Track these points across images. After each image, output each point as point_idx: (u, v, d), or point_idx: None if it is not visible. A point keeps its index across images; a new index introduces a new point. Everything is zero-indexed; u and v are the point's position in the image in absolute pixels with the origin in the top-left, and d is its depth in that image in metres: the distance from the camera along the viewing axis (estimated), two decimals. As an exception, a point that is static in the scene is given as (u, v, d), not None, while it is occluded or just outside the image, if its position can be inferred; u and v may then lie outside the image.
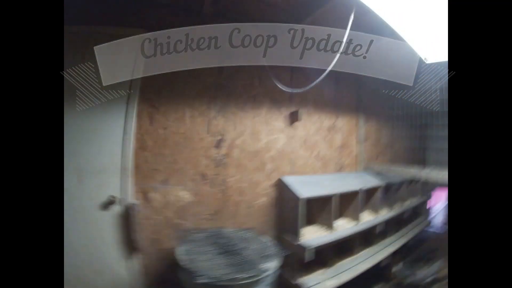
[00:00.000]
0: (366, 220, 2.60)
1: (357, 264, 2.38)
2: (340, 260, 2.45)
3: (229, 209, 2.15)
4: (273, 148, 2.33)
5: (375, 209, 2.73)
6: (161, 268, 1.95)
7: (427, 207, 4.03)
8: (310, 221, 2.49)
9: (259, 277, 1.46)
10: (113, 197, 1.78)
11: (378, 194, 2.69)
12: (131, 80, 1.80)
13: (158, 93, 1.88)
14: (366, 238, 2.86)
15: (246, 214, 2.22)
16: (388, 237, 2.95)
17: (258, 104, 2.28)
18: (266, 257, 1.62)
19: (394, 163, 3.33)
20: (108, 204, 1.78)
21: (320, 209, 2.36)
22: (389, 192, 2.87)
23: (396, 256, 2.77)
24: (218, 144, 2.10)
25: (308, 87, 1.75)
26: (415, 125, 2.82)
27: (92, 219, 1.76)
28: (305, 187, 2.19)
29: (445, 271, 2.67)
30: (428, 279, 2.55)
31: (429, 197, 4.07)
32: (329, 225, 2.27)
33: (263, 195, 2.28)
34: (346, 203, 2.58)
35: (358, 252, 2.57)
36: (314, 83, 1.71)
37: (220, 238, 1.84)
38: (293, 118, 2.39)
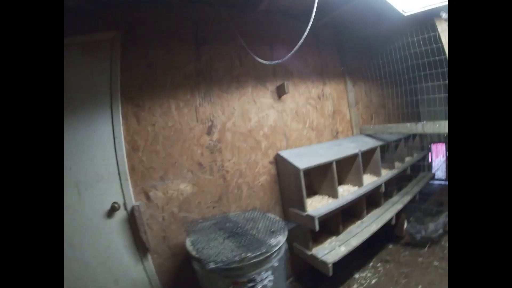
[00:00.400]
0: (368, 182, 2.64)
1: (365, 227, 2.43)
2: (349, 226, 2.52)
3: (232, 193, 2.16)
4: (265, 125, 2.31)
5: (376, 170, 2.76)
6: (175, 263, 1.97)
7: (429, 160, 4.10)
8: (314, 192, 2.53)
9: (269, 253, 1.49)
10: (116, 203, 1.77)
11: (377, 155, 2.70)
12: (111, 83, 1.76)
13: (139, 91, 1.83)
14: (371, 200, 2.93)
15: (250, 195, 2.23)
16: (393, 196, 3.02)
17: (243, 84, 2.24)
18: (274, 233, 1.64)
19: (389, 122, 3.34)
20: (112, 211, 1.77)
21: (322, 178, 2.39)
22: (387, 151, 2.90)
23: (404, 213, 2.84)
24: (209, 131, 2.07)
25: (287, 57, 1.70)
26: (404, 80, 2.79)
27: (99, 229, 1.75)
28: (303, 158, 2.19)
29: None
30: (438, 232, 2.63)
31: (429, 150, 4.14)
32: (333, 193, 2.30)
33: (263, 173, 2.29)
34: (347, 168, 2.61)
35: (365, 215, 2.63)
36: (292, 51, 1.66)
37: (227, 223, 1.85)
38: (280, 91, 2.35)
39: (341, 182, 2.70)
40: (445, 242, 2.68)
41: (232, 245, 1.55)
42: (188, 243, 1.66)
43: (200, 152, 2.02)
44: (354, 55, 3.09)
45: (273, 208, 2.36)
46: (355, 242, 2.18)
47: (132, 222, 1.81)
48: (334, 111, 2.83)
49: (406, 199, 2.87)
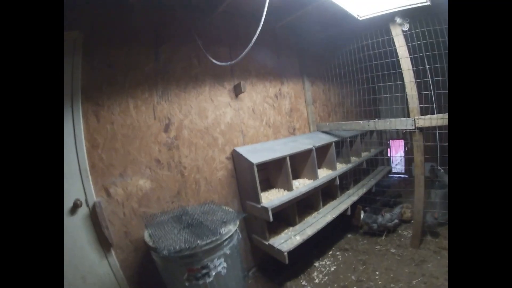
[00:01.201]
0: (323, 176, 2.82)
1: (321, 217, 2.61)
2: (305, 217, 2.69)
3: (190, 188, 2.25)
4: (222, 122, 2.43)
5: (332, 165, 2.96)
6: (138, 257, 2.02)
7: (388, 155, 4.38)
8: (271, 185, 2.68)
9: (220, 241, 1.60)
10: (78, 200, 1.80)
11: (332, 150, 2.90)
12: (72, 82, 1.78)
13: (99, 90, 1.87)
14: (328, 193, 3.13)
15: (208, 190, 2.33)
16: (350, 188, 3.24)
17: (200, 83, 2.35)
18: (225, 223, 1.74)
19: (347, 120, 3.57)
20: (74, 208, 1.79)
21: (278, 172, 2.53)
22: (344, 147, 3.10)
23: (360, 205, 3.05)
24: (166, 128, 2.15)
25: (239, 58, 1.81)
26: (362, 80, 3.02)
27: (64, 226, 1.77)
28: (258, 153, 2.33)
29: (408, 214, 2.99)
30: (394, 222, 2.85)
31: (387, 146, 4.43)
32: (288, 186, 2.45)
33: (221, 168, 2.40)
34: (303, 163, 2.78)
35: (321, 206, 2.81)
36: (244, 52, 1.74)
37: (184, 216, 1.94)
38: (237, 90, 2.48)
39: (297, 176, 2.87)
40: (401, 231, 2.92)
41: (187, 235, 1.64)
42: (146, 235, 1.73)
43: (157, 149, 2.10)
44: (313, 56, 3.31)
45: (232, 202, 2.47)
46: (310, 231, 2.34)
47: (94, 218, 1.84)
48: (291, 109, 3.01)
49: (362, 191, 3.10)
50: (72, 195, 1.79)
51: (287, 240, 2.26)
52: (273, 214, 2.24)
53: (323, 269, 2.53)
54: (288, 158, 2.37)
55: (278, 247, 2.16)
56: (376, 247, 2.71)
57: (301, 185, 2.59)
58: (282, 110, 2.93)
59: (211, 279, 1.60)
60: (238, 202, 2.51)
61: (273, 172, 2.60)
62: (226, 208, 2.02)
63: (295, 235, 2.31)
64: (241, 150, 2.38)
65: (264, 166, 2.67)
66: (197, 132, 2.29)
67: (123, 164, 1.95)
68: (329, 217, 2.56)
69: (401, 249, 2.57)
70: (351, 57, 2.95)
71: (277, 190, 2.54)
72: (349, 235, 3.07)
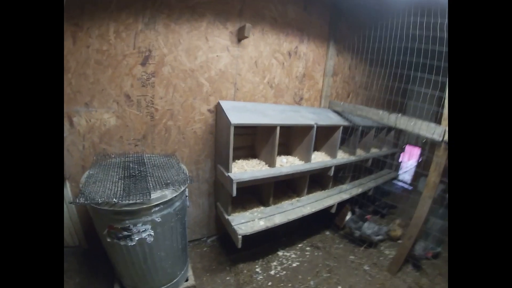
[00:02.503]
0: (318, 161, 2.43)
1: (299, 206, 2.28)
2: (283, 200, 2.38)
3: (158, 135, 1.98)
4: (213, 67, 2.04)
5: (332, 151, 2.54)
6: None
7: (399, 160, 3.82)
8: (254, 155, 2.34)
9: (146, 205, 1.33)
10: None
11: (337, 135, 2.46)
12: None
13: (81, 9, 1.58)
14: (318, 180, 2.77)
15: (178, 141, 2.05)
16: (345, 183, 2.84)
17: (197, 16, 1.92)
18: (167, 185, 1.46)
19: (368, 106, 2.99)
20: None
21: (264, 142, 2.17)
22: (353, 135, 2.64)
23: (349, 205, 2.66)
24: (144, 61, 1.82)
25: None
26: (395, 62, 2.39)
27: None
28: (245, 113, 1.96)
29: (398, 233, 2.58)
30: (379, 237, 2.46)
31: (402, 150, 3.84)
32: (271, 160, 2.11)
33: (199, 121, 2.08)
34: (299, 139, 2.40)
35: (305, 194, 2.47)
36: None
37: (134, 164, 1.68)
38: (241, 34, 2.04)
39: (289, 153, 2.52)
40: (384, 248, 2.55)
41: (119, 187, 1.40)
42: (84, 175, 1.51)
43: (130, 83, 1.81)
44: (349, 20, 2.69)
45: (204, 161, 2.19)
46: (278, 219, 2.04)
47: None
48: (304, 75, 2.53)
49: (357, 191, 2.70)
50: None
51: (249, 222, 1.99)
52: (245, 188, 1.95)
53: (284, 261, 2.27)
54: (278, 128, 1.99)
55: (235, 227, 1.90)
56: (350, 257, 2.39)
57: (288, 164, 2.24)
58: (293, 72, 2.46)
59: (133, 243, 1.38)
60: (211, 163, 2.23)
61: (260, 141, 2.25)
62: (183, 167, 1.73)
63: (260, 219, 2.03)
64: (226, 104, 2.01)
65: (251, 131, 2.32)
66: (180, 72, 1.93)
67: (90, 93, 1.73)
68: (307, 209, 2.23)
69: (376, 269, 2.23)
70: (390, 31, 2.29)
71: (258, 162, 2.21)
72: (327, 232, 2.76)
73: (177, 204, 1.51)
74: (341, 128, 2.45)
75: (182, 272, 1.74)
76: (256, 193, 2.36)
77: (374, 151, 3.13)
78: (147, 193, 1.34)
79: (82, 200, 1.23)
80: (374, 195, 2.89)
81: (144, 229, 1.38)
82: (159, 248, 1.48)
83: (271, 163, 2.10)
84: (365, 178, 3.06)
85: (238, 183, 1.82)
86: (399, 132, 3.39)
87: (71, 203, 1.23)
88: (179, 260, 1.69)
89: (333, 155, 2.55)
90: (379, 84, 2.76)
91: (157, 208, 1.39)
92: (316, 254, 2.39)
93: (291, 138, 2.52)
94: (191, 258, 2.20)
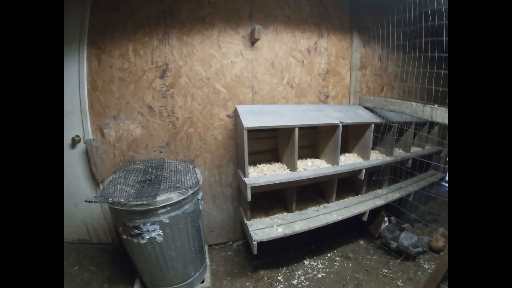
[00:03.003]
0: (348, 163, 2.23)
1: (324, 213, 2.13)
2: (308, 206, 2.26)
3: (180, 142, 2.09)
4: (228, 74, 2.07)
5: (364, 152, 2.31)
6: None
7: (446, 160, 3.22)
8: (278, 158, 2.27)
9: (152, 206, 1.42)
10: (77, 136, 1.98)
11: (369, 134, 2.22)
12: (80, 27, 1.83)
13: (103, 34, 1.85)
14: (349, 185, 2.57)
15: (200, 147, 2.13)
16: (381, 187, 2.56)
17: (208, 26, 2.00)
18: (177, 189, 1.53)
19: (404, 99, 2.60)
20: (74, 143, 1.98)
21: (285, 144, 2.10)
22: (389, 133, 2.35)
23: (385, 212, 2.37)
24: (162, 74, 1.97)
25: None
26: (432, 45, 2.01)
27: (65, 157, 2.02)
28: (261, 116, 1.93)
29: (440, 244, 2.20)
30: (418, 249, 2.14)
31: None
32: (291, 164, 2.02)
33: (219, 126, 2.13)
34: (325, 141, 2.25)
35: (333, 200, 2.30)
36: None
37: (154, 169, 1.81)
38: (253, 38, 2.02)
39: (316, 155, 2.37)
40: (423, 261, 2.18)
41: (135, 189, 1.53)
42: (109, 179, 1.70)
43: (151, 95, 1.98)
44: (373, 6, 2.41)
45: (226, 165, 2.23)
46: (299, 227, 1.94)
47: (89, 154, 1.98)
48: (328, 71, 2.36)
49: (394, 196, 2.38)
50: (73, 131, 1.98)
51: (266, 228, 1.93)
52: (269, 192, 1.91)
53: (310, 271, 2.13)
54: (296, 129, 1.89)
55: (251, 232, 1.86)
56: (384, 270, 2.10)
57: (313, 167, 2.11)
58: (315, 70, 2.32)
59: (144, 241, 1.50)
60: (233, 168, 2.26)
61: (282, 144, 2.18)
62: (197, 172, 1.78)
63: (279, 225, 1.95)
64: (242, 109, 2.01)
65: (273, 134, 2.26)
66: (196, 81, 2.02)
67: (117, 107, 1.96)
68: (333, 216, 2.06)
69: (410, 286, 1.91)
70: (425, 9, 1.91)
71: (280, 165, 2.15)
72: (361, 242, 2.49)
73: (187, 207, 1.57)
74: (373, 126, 2.21)
75: (197, 274, 1.80)
76: (281, 199, 2.29)
77: (416, 150, 2.74)
78: (154, 195, 1.44)
79: (96, 200, 1.38)
80: (417, 200, 2.51)
81: (153, 229, 1.48)
82: (169, 248, 1.57)
83: (292, 167, 2.02)
84: (405, 181, 2.68)
85: (253, 188, 1.79)
86: (442, 127, 2.87)
87: (86, 201, 1.38)
88: (193, 262, 1.75)
89: (365, 156, 2.31)
90: (415, 72, 2.38)
91: (164, 210, 1.47)
92: (345, 265, 2.19)
93: (317, 140, 2.39)
94: (215, 261, 2.26)
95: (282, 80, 2.22)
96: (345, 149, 2.54)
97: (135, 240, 1.49)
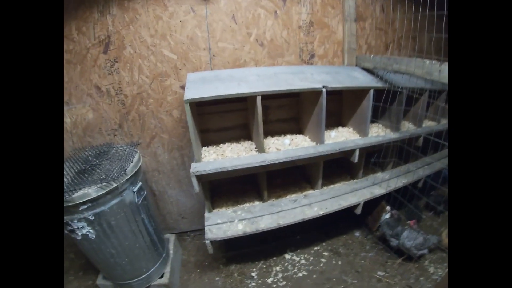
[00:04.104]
0: (339, 140, 1.75)
1: (303, 205, 1.73)
2: (285, 193, 1.88)
3: (133, 122, 1.83)
4: (177, 37, 1.68)
5: (362, 126, 1.80)
6: None
7: None
8: (246, 136, 1.88)
9: (71, 203, 1.21)
10: None
11: (367, 102, 1.69)
12: None
13: None
14: (342, 165, 2.10)
15: (155, 126, 1.87)
16: (378, 171, 2.05)
17: (152, -16, 1.58)
18: (101, 181, 1.29)
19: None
20: None
21: (252, 118, 1.69)
22: (396, 102, 1.77)
23: (386, 202, 1.88)
24: (106, 49, 1.68)
25: None
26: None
27: None
28: (212, 84, 1.52)
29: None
30: (421, 252, 1.66)
31: None
32: (259, 143, 1.62)
33: (172, 101, 1.81)
34: (306, 112, 1.79)
35: (319, 186, 1.88)
36: None
37: (98, 157, 1.58)
38: (206, -14, 1.56)
39: (301, 131, 1.93)
40: (429, 262, 1.70)
41: (68, 182, 1.32)
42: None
43: (97, 74, 1.73)
44: None
45: (187, 146, 1.94)
46: (264, 224, 1.59)
47: None
48: (311, 23, 1.80)
49: (399, 182, 1.84)
50: None
51: (226, 223, 1.62)
52: (241, 177, 1.62)
53: (290, 268, 1.82)
54: (259, 98, 1.46)
55: (206, 228, 1.57)
56: (379, 272, 1.68)
57: (291, 147, 1.70)
58: (293, 22, 1.78)
59: (79, 238, 1.32)
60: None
61: (251, 118, 1.78)
62: (137, 158, 1.50)
63: (241, 220, 1.62)
64: (193, 77, 1.64)
65: (243, 106, 1.85)
66: (142, 50, 1.70)
67: (67, 92, 1.78)
68: (313, 210, 1.66)
69: None
70: None
71: (250, 144, 1.78)
72: (356, 234, 2.06)
73: (114, 202, 1.33)
74: (371, 92, 1.66)
75: (152, 269, 1.61)
76: (255, 183, 1.95)
77: (429, 124, 2.10)
78: (72, 191, 1.21)
79: None
80: (429, 185, 1.94)
81: (81, 226, 1.30)
82: (105, 245, 1.39)
83: (259, 147, 1.63)
84: (414, 163, 2.08)
85: (200, 177, 1.47)
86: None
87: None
88: (143, 258, 1.56)
89: (362, 131, 1.80)
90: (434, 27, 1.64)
91: (85, 206, 1.25)
92: (333, 262, 1.82)
93: (301, 111, 1.92)
94: (187, 250, 2.07)
95: (248, 38, 1.75)
96: (339, 122, 2.04)
97: (73, 236, 1.33)
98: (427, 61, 1.36)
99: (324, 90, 1.56)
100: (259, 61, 1.82)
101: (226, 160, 1.56)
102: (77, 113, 1.78)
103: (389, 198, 1.84)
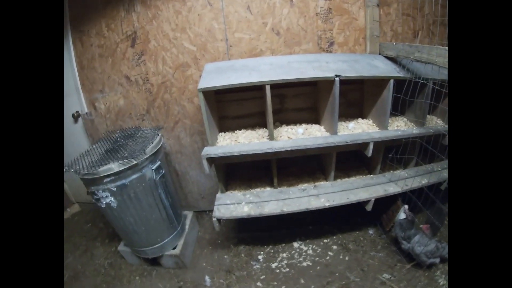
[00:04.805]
0: (354, 132, 1.69)
1: (312, 195, 1.73)
2: (299, 182, 1.89)
3: (158, 108, 2.03)
4: (196, 29, 1.78)
5: (381, 118, 1.70)
6: None
7: None
8: (263, 124, 1.92)
9: (97, 176, 1.44)
10: (77, 112, 2.24)
11: (387, 93, 1.58)
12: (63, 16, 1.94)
13: (81, 17, 1.90)
14: (361, 159, 2.03)
15: (178, 112, 2.04)
16: (399, 168, 1.89)
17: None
18: (124, 158, 1.49)
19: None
20: (74, 118, 2.26)
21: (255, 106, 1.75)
22: (421, 94, 1.61)
23: (401, 202, 1.76)
24: (133, 43, 1.89)
25: None
26: None
27: (71, 130, 2.31)
28: (226, 74, 1.60)
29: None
30: (433, 260, 1.53)
31: None
32: (270, 130, 1.66)
33: (193, 89, 1.94)
34: (323, 102, 1.75)
35: (331, 178, 1.84)
36: None
37: (125, 138, 1.81)
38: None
39: (317, 121, 1.92)
40: (440, 274, 1.54)
41: (94, 158, 1.57)
42: (86, 149, 1.77)
43: (126, 65, 1.96)
44: None
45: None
46: (269, 209, 1.65)
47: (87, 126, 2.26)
48: (330, 9, 1.71)
49: (417, 182, 1.68)
50: (74, 108, 2.22)
51: (234, 204, 1.72)
52: (260, 161, 1.72)
53: (296, 256, 1.85)
54: (268, 87, 1.49)
55: (216, 206, 1.69)
56: (385, 274, 1.58)
57: (305, 136, 1.72)
58: (310, 9, 1.73)
59: (103, 206, 1.58)
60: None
61: (250, 106, 1.87)
62: (156, 140, 1.68)
63: (248, 203, 1.70)
64: (209, 67, 1.74)
65: (260, 94, 1.87)
66: (165, 43, 1.86)
67: (101, 81, 2.06)
68: (320, 201, 1.65)
69: None
70: None
71: (263, 131, 1.83)
72: (370, 232, 1.96)
73: (134, 177, 1.54)
74: (391, 82, 1.55)
75: (166, 240, 1.80)
76: (269, 169, 1.99)
77: None
78: (98, 165, 1.45)
79: (66, 169, 1.47)
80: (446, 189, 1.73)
81: (105, 195, 1.54)
82: (125, 213, 1.62)
83: (270, 134, 1.67)
84: (438, 163, 1.86)
85: (211, 159, 1.59)
86: None
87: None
88: (158, 229, 1.76)
89: (382, 124, 1.70)
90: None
91: (108, 179, 1.48)
92: (341, 257, 1.79)
93: (318, 101, 1.89)
94: (204, 227, 2.25)
95: (264, 27, 1.76)
96: (360, 113, 1.95)
97: (98, 204, 1.59)
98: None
99: (337, 79, 1.51)
100: (275, 50, 1.83)
101: (235, 146, 1.65)
102: (110, 100, 2.07)
103: (405, 197, 1.71)
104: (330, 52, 1.84)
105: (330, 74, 1.52)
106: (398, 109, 1.72)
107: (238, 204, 1.71)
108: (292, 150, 1.60)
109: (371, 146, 1.61)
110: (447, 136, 1.62)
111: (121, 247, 1.93)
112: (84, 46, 1.95)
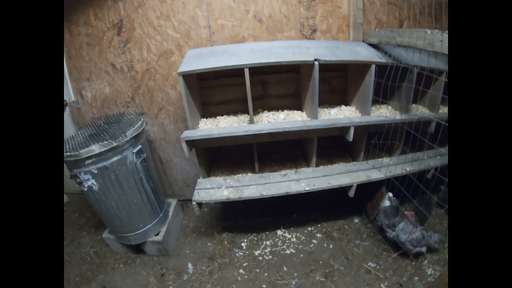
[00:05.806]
0: (333, 117, 1.69)
1: (293, 179, 1.74)
2: (282, 168, 1.89)
3: (142, 95, 2.04)
4: (180, 17, 1.80)
5: (363, 104, 1.71)
6: None
7: None
8: (246, 110, 1.92)
9: (78, 157, 1.45)
10: (65, 100, 2.22)
11: (368, 78, 1.59)
12: None
13: (70, 6, 1.88)
14: (345, 146, 2.03)
15: (162, 99, 2.05)
16: (383, 156, 1.89)
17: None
18: (104, 141, 1.50)
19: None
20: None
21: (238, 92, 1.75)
22: (406, 80, 1.61)
23: (385, 189, 1.76)
24: (119, 31, 1.91)
25: None
26: None
27: None
28: (206, 59, 1.61)
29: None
30: (419, 249, 1.52)
31: None
32: (250, 114, 1.66)
33: (177, 76, 1.89)
34: (305, 87, 1.75)
35: (313, 164, 1.85)
36: None
37: (106, 124, 1.82)
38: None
39: (299, 108, 1.92)
40: (427, 263, 1.55)
41: (77, 141, 1.58)
42: (71, 134, 1.79)
43: (112, 53, 1.98)
44: None
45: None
46: (248, 193, 1.66)
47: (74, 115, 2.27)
48: (312, -4, 1.73)
49: (399, 168, 1.68)
50: None
51: (214, 188, 1.73)
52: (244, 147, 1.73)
53: (279, 244, 1.85)
54: (247, 71, 1.50)
55: (196, 191, 1.69)
56: (370, 263, 1.58)
57: (286, 120, 1.72)
58: (291, -5, 1.74)
59: (85, 189, 1.58)
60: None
61: (229, 91, 1.89)
62: (138, 124, 1.69)
63: (228, 187, 1.71)
64: (191, 53, 1.75)
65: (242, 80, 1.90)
66: (150, 31, 1.87)
67: (88, 70, 2.06)
68: (300, 186, 1.66)
69: None
70: None
71: (244, 117, 1.83)
72: (355, 220, 1.97)
73: (114, 159, 1.55)
74: (373, 67, 1.56)
75: (149, 226, 1.81)
76: (252, 156, 1.99)
77: (447, 110, 1.84)
78: (80, 147, 1.46)
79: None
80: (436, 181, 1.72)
81: (87, 178, 1.55)
82: (106, 197, 1.63)
83: (251, 119, 1.67)
84: (424, 153, 1.86)
85: (189, 142, 1.59)
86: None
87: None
88: (140, 214, 1.76)
89: (364, 110, 1.71)
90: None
91: (89, 161, 1.50)
92: (325, 245, 1.79)
93: (300, 87, 1.90)
94: (189, 216, 2.26)
95: (246, 14, 1.78)
96: (344, 101, 1.95)
97: (81, 188, 1.60)
98: (428, 31, 1.22)
99: (316, 63, 1.52)
100: (257, 37, 1.84)
101: (214, 129, 1.65)
102: (96, 88, 2.08)
103: (389, 186, 1.71)
104: (313, 39, 1.85)
105: (309, 58, 1.53)
106: (382, 97, 1.70)
107: (218, 188, 1.72)
108: (271, 133, 1.60)
109: (351, 130, 1.61)
110: (433, 122, 1.62)
111: (106, 234, 1.93)
112: (72, 35, 1.95)
